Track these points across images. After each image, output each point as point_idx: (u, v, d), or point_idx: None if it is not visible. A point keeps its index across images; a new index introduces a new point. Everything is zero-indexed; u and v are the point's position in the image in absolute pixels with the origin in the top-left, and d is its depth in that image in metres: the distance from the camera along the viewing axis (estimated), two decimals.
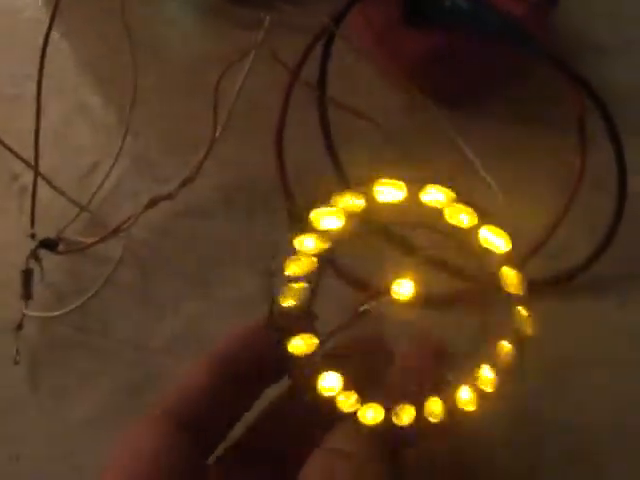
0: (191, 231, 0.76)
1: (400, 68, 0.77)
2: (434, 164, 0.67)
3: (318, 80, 0.74)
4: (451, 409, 0.55)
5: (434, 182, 0.53)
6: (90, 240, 0.73)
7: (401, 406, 0.54)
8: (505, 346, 0.55)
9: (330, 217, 0.54)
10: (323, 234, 0.54)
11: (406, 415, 0.54)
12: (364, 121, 0.74)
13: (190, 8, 0.94)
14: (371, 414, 0.55)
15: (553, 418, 0.65)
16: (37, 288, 0.72)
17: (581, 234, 0.70)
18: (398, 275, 0.58)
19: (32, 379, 0.70)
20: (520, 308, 0.55)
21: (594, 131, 0.69)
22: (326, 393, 0.55)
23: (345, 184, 0.72)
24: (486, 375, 0.56)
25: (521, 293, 0.55)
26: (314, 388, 0.55)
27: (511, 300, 0.55)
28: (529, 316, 0.55)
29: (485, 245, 0.54)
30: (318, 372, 0.55)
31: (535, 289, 0.66)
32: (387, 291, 0.59)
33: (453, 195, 0.53)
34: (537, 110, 0.79)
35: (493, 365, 0.55)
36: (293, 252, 0.54)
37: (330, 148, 0.74)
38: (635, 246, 0.70)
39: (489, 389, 0.55)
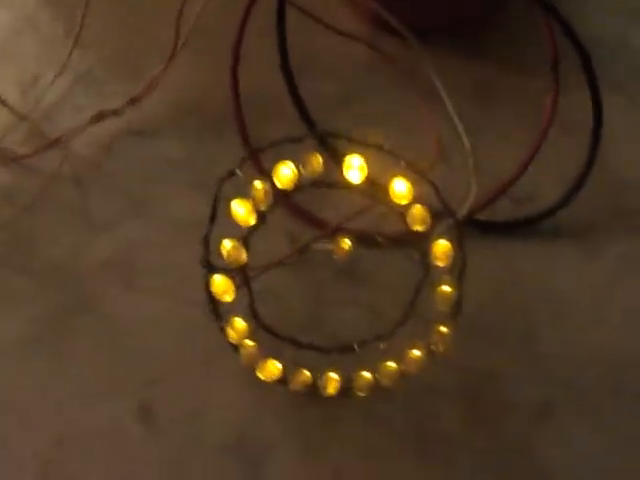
0: (136, 150, 0.69)
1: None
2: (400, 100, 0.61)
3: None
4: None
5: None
6: (27, 151, 0.66)
7: None
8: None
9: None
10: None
11: None
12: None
13: None
14: None
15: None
16: None
17: (549, 179, 0.64)
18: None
19: None
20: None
21: (568, 75, 0.62)
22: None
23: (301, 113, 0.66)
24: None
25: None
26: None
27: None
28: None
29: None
30: None
31: (498, 231, 0.63)
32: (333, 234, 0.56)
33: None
34: (509, 51, 0.72)
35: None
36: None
37: (287, 73, 0.66)
38: (601, 197, 0.64)
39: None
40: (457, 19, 0.71)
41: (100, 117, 0.67)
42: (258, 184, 0.50)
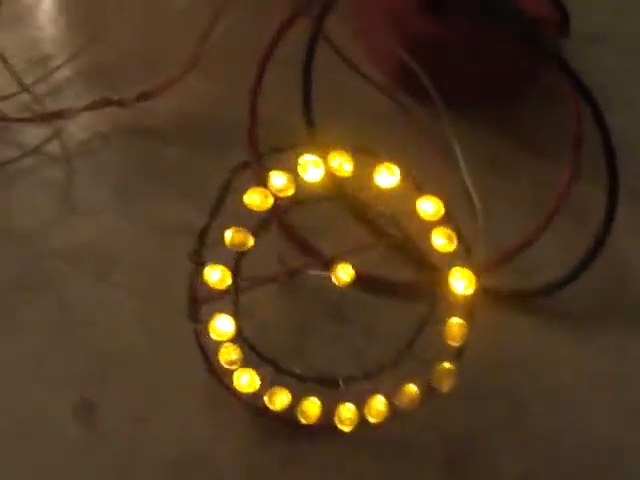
0: (133, 147, 0.64)
1: (392, 57, 0.68)
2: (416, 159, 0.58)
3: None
4: None
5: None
6: (21, 115, 0.61)
7: None
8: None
9: (279, 176, 0.47)
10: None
11: None
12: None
13: None
14: None
15: None
16: None
17: (552, 259, 0.61)
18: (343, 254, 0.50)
19: None
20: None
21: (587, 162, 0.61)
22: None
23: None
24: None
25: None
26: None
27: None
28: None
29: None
30: None
31: (498, 300, 0.58)
32: (326, 266, 0.50)
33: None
34: (533, 126, 0.70)
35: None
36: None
37: (306, 104, 0.63)
38: (603, 287, 0.61)
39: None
40: (488, 89, 0.70)
41: (104, 103, 0.62)
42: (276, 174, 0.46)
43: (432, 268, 0.51)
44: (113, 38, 0.70)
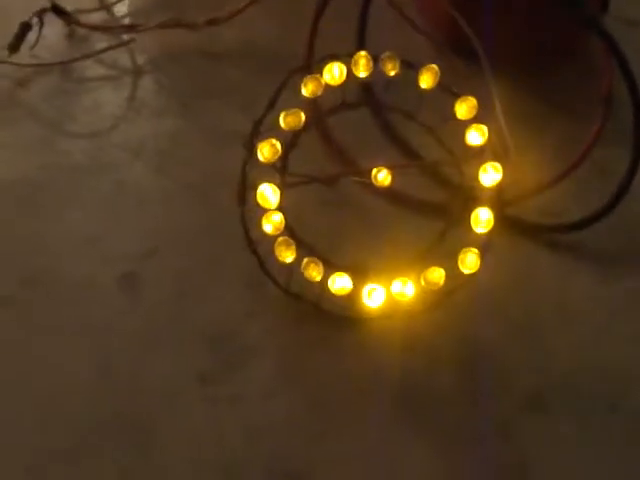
0: (198, 64, 0.69)
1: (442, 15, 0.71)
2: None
3: None
4: None
5: None
6: (98, 25, 0.66)
7: None
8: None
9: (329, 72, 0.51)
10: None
11: None
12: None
13: None
14: None
15: None
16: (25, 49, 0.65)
17: (576, 203, 0.63)
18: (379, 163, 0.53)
19: None
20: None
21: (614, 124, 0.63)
22: None
23: None
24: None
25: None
26: None
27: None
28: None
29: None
30: None
31: (526, 232, 0.62)
32: (365, 174, 0.54)
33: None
34: (563, 90, 0.72)
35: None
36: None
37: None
38: (622, 233, 0.63)
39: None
40: (528, 48, 0.72)
41: (174, 23, 0.67)
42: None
43: (460, 185, 0.54)
44: None
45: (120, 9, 0.72)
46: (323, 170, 0.61)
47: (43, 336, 0.53)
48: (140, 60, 0.68)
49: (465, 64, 0.69)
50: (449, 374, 0.55)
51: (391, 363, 0.54)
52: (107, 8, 0.69)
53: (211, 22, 0.68)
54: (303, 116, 0.50)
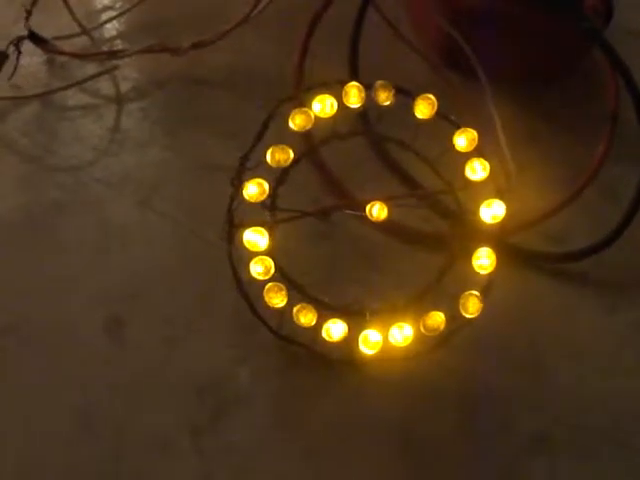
0: (183, 90, 0.66)
1: (437, 32, 0.69)
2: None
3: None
4: None
5: None
6: (79, 52, 0.64)
7: None
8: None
9: (320, 102, 0.48)
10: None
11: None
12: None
13: None
14: None
15: None
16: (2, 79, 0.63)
17: (580, 229, 0.61)
18: (374, 197, 0.51)
19: None
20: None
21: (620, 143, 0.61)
22: None
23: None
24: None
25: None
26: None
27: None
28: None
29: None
30: None
31: (529, 261, 0.59)
32: (360, 207, 0.51)
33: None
34: (566, 109, 0.69)
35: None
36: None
37: (353, 57, 0.65)
38: (629, 261, 0.60)
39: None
40: (529, 67, 0.69)
41: (159, 48, 0.64)
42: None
43: (462, 213, 0.52)
44: None
45: (101, 33, 0.69)
46: (317, 201, 0.59)
47: (22, 389, 0.50)
48: (123, 87, 0.65)
49: (462, 81, 0.67)
50: (450, 415, 0.52)
51: (389, 406, 0.52)
52: (87, 33, 0.66)
53: (196, 46, 0.65)
54: (291, 153, 0.47)
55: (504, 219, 0.48)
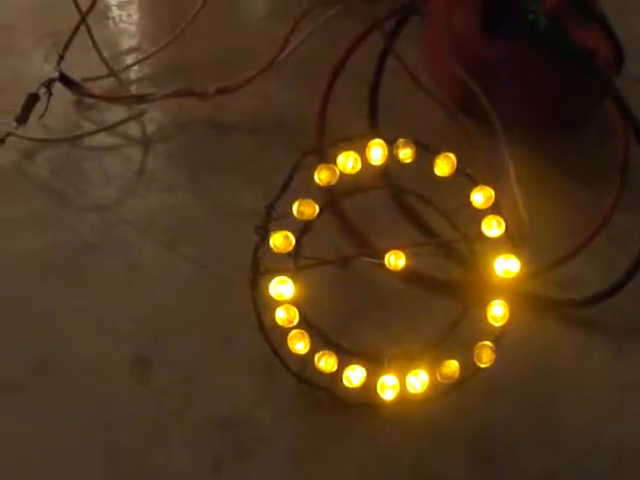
0: (208, 135, 0.69)
1: (454, 80, 0.72)
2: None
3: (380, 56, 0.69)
4: None
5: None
6: (107, 95, 0.67)
7: None
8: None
9: (344, 158, 0.51)
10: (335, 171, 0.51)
11: None
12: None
13: None
14: None
15: None
16: (33, 119, 0.65)
17: (590, 275, 0.64)
18: (395, 246, 0.54)
19: None
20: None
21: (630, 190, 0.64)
22: None
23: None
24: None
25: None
26: None
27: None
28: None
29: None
30: None
31: (539, 306, 0.62)
32: (378, 255, 0.55)
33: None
34: (579, 159, 0.73)
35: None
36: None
37: (373, 118, 0.68)
38: (636, 306, 0.63)
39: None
40: (544, 116, 0.72)
41: (185, 93, 0.67)
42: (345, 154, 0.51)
43: (477, 264, 0.55)
44: (196, 38, 0.75)
45: (127, 75, 0.73)
46: (337, 248, 0.62)
47: (51, 424, 0.52)
48: (149, 129, 0.69)
49: (478, 128, 0.69)
50: (463, 458, 0.55)
51: (405, 448, 0.54)
52: (115, 75, 0.70)
53: (221, 91, 0.68)
54: (317, 207, 0.50)
55: (518, 274, 0.51)
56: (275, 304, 0.51)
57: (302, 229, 0.52)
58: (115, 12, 0.79)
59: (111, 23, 0.78)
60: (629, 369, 0.61)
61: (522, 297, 0.60)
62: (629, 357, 0.61)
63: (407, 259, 0.54)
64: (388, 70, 0.68)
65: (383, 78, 0.69)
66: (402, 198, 0.64)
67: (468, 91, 0.67)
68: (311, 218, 0.50)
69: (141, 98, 0.67)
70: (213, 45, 0.77)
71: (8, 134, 0.64)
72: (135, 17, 0.80)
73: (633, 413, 0.58)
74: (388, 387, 0.51)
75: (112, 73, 0.70)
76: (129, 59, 0.74)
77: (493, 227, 0.50)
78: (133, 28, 0.79)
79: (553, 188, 0.70)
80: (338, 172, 0.50)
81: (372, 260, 0.56)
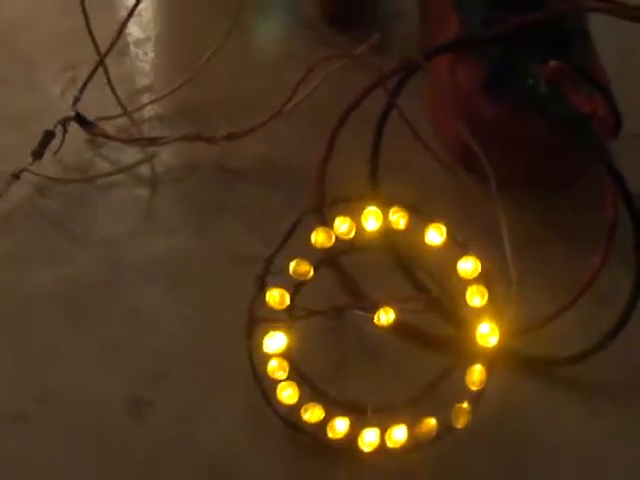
0: (215, 179, 0.73)
1: (456, 136, 0.75)
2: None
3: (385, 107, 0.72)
4: None
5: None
6: (121, 136, 0.71)
7: None
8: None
9: (344, 222, 0.55)
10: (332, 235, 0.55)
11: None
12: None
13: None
14: None
15: None
16: (48, 154, 0.70)
17: (574, 335, 0.66)
18: (385, 301, 0.58)
19: None
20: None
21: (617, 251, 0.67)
22: None
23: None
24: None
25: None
26: None
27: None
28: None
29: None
30: None
31: (518, 364, 0.65)
32: (370, 309, 0.58)
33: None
34: (571, 218, 0.76)
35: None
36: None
37: (373, 165, 0.71)
38: (618, 367, 0.66)
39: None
40: (539, 176, 0.77)
41: (195, 137, 0.71)
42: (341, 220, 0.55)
43: (462, 324, 0.58)
44: (208, 82, 0.79)
45: (140, 114, 0.77)
46: (332, 298, 0.65)
47: (50, 453, 0.56)
48: (158, 169, 0.72)
49: (475, 182, 0.73)
50: None
51: None
52: (129, 115, 0.73)
53: (229, 137, 0.72)
54: (312, 271, 0.54)
55: (498, 343, 0.55)
56: (267, 356, 0.55)
57: (296, 287, 0.55)
58: (132, 50, 0.83)
59: (127, 60, 0.82)
60: (606, 431, 0.63)
61: (503, 355, 0.63)
62: (606, 419, 0.63)
63: (397, 313, 0.58)
64: (393, 120, 0.72)
65: (389, 130, 0.72)
66: (397, 253, 0.68)
67: (469, 148, 0.71)
68: (305, 278, 0.54)
69: (152, 140, 0.71)
70: (225, 88, 0.81)
71: (23, 169, 0.68)
72: (151, 55, 0.84)
73: (606, 476, 0.61)
74: (368, 442, 0.55)
75: (126, 113, 0.74)
76: (143, 98, 0.78)
77: (475, 298, 0.54)
78: (148, 67, 0.83)
79: (541, 246, 0.74)
80: (334, 236, 0.54)
81: (363, 313, 0.60)
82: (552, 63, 0.70)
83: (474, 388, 0.55)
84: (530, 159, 0.75)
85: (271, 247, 0.55)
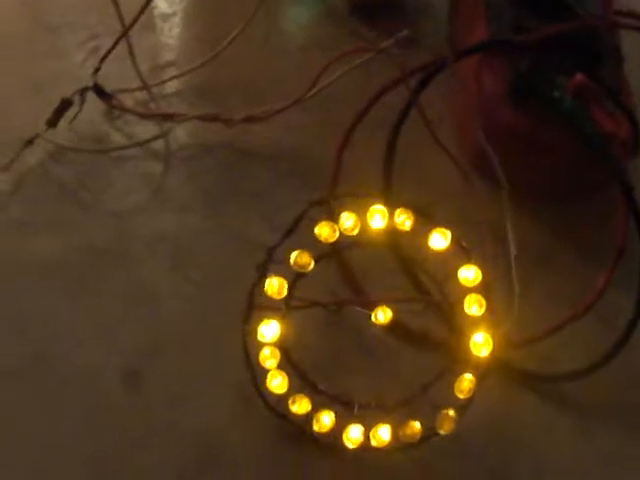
0: (229, 160, 0.73)
1: (474, 141, 0.75)
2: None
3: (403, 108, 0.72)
4: None
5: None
6: (138, 110, 0.72)
7: None
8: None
9: (349, 217, 0.55)
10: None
11: None
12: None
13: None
14: None
15: None
16: (63, 123, 0.71)
17: (570, 351, 0.67)
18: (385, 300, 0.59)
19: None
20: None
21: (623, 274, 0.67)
22: None
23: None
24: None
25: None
26: None
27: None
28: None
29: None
30: None
31: (512, 378, 0.65)
32: (369, 306, 0.59)
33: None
34: (582, 232, 0.76)
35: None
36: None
37: (387, 169, 0.71)
38: (614, 386, 0.66)
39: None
40: (554, 187, 0.77)
41: (212, 117, 0.71)
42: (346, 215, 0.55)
43: (458, 330, 0.58)
44: (230, 62, 0.79)
45: (159, 89, 0.77)
46: (333, 292, 0.66)
47: (38, 414, 0.58)
48: (173, 146, 0.73)
49: (489, 190, 0.73)
50: None
51: None
52: (148, 89, 0.74)
53: (247, 119, 0.72)
54: (312, 263, 0.54)
55: (489, 356, 0.55)
56: (261, 344, 0.56)
57: (295, 277, 0.55)
58: (158, 24, 0.84)
59: (152, 34, 0.83)
60: (599, 452, 0.63)
61: (496, 366, 0.63)
62: (600, 439, 0.64)
63: (395, 312, 0.59)
64: (413, 120, 0.71)
65: (408, 126, 0.71)
66: (400, 252, 0.68)
67: (485, 153, 0.71)
68: (306, 270, 0.54)
69: (169, 117, 0.71)
70: (247, 70, 0.81)
71: (36, 136, 0.68)
72: (175, 31, 0.84)
73: None
74: (353, 438, 0.56)
75: (145, 87, 0.74)
76: (163, 73, 0.79)
77: (473, 307, 0.54)
78: (171, 42, 0.84)
79: (554, 259, 0.74)
80: (338, 231, 0.54)
81: (362, 310, 0.61)
82: (579, 77, 0.70)
83: (462, 396, 0.55)
84: (549, 170, 0.75)
85: (278, 234, 0.56)
